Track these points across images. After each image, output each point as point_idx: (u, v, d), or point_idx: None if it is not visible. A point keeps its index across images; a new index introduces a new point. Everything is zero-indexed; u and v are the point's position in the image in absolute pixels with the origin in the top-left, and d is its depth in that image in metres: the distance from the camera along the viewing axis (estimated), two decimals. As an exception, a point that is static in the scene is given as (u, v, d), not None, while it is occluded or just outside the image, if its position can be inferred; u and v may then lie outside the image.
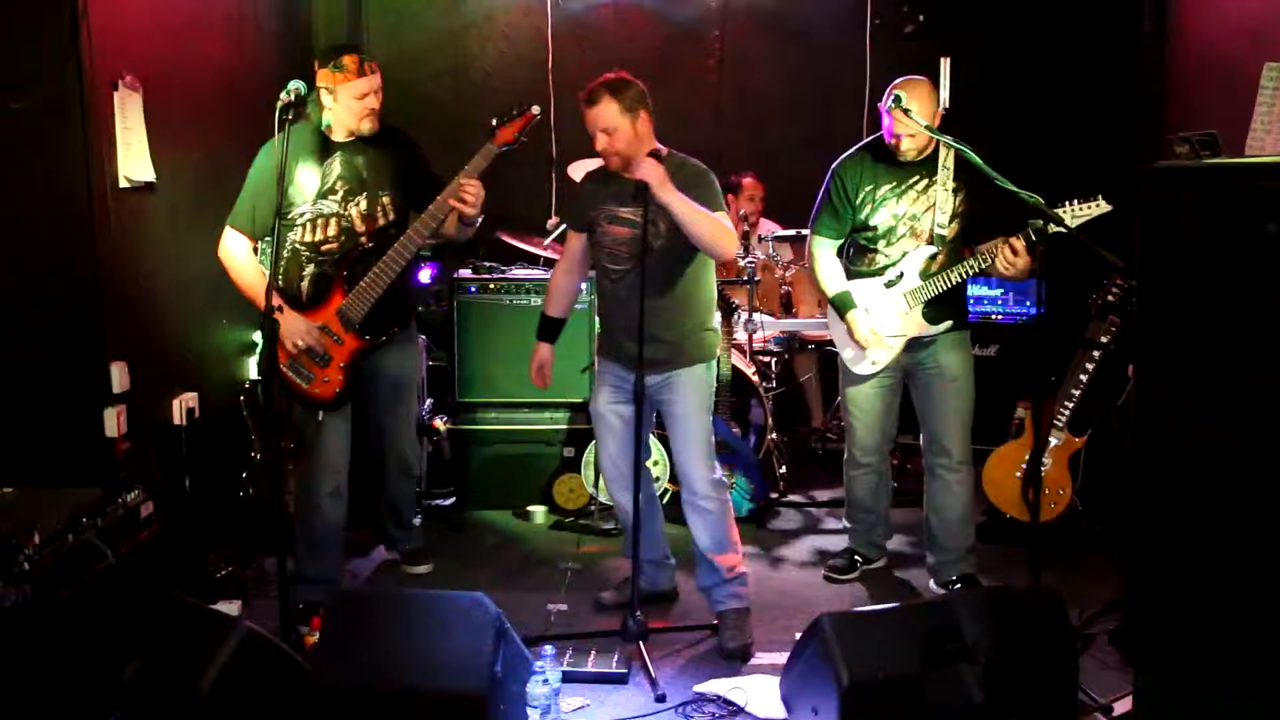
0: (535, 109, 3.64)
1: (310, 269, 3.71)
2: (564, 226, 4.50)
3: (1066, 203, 3.50)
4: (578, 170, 5.00)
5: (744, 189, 5.63)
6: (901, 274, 3.82)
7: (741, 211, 5.51)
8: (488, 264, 5.03)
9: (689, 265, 3.52)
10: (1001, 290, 5.37)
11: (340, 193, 3.70)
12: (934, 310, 3.81)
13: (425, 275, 5.28)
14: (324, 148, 3.70)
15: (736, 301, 4.97)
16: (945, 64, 5.15)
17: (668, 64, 5.89)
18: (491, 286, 4.94)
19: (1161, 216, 2.65)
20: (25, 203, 3.50)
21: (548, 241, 5.19)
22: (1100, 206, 3.47)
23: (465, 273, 4.98)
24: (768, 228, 5.64)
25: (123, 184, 3.72)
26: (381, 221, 3.74)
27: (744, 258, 5.23)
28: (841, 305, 3.89)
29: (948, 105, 5.52)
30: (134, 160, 3.77)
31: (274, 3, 5.20)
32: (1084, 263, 3.63)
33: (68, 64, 3.45)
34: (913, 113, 3.59)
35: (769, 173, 5.72)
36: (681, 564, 3.96)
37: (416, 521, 4.40)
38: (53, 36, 3.45)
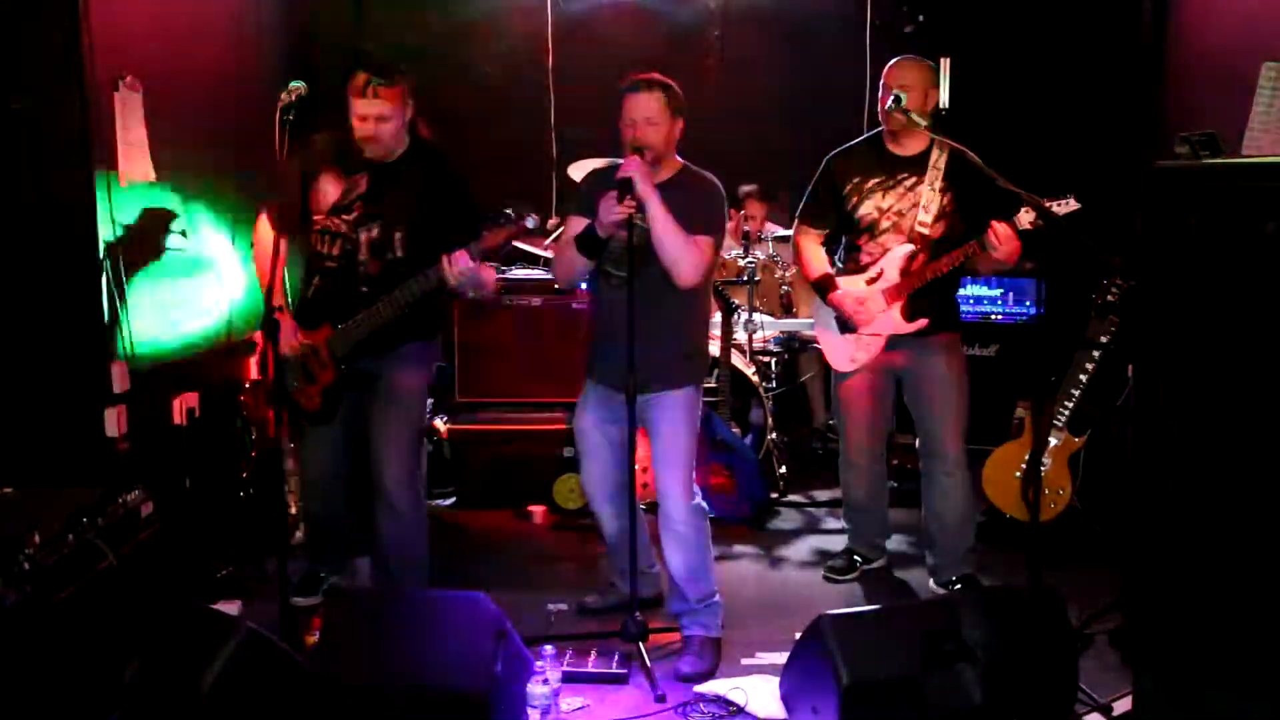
0: (530, 221, 3.31)
1: (316, 280, 3.58)
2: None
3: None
4: (578, 170, 5.00)
5: (746, 206, 5.65)
6: (881, 271, 3.81)
7: (743, 212, 5.54)
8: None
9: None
10: (1001, 290, 5.36)
11: (355, 214, 3.49)
12: (911, 308, 3.78)
13: None
14: (356, 162, 3.49)
15: (736, 301, 4.97)
16: (945, 64, 5.15)
17: (667, 64, 5.82)
18: (491, 286, 4.93)
19: (1161, 216, 2.65)
20: (25, 203, 3.50)
21: (548, 242, 5.19)
22: (1069, 205, 3.43)
23: (465, 273, 4.96)
24: (768, 228, 5.66)
25: (123, 184, 3.72)
26: (389, 257, 3.49)
27: (744, 258, 5.23)
28: (823, 288, 3.89)
29: (948, 105, 5.54)
30: (134, 160, 3.77)
31: (274, 3, 5.20)
32: (1084, 263, 3.64)
33: (68, 64, 3.45)
34: (912, 112, 3.60)
35: (767, 172, 5.71)
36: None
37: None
38: (53, 36, 3.45)
